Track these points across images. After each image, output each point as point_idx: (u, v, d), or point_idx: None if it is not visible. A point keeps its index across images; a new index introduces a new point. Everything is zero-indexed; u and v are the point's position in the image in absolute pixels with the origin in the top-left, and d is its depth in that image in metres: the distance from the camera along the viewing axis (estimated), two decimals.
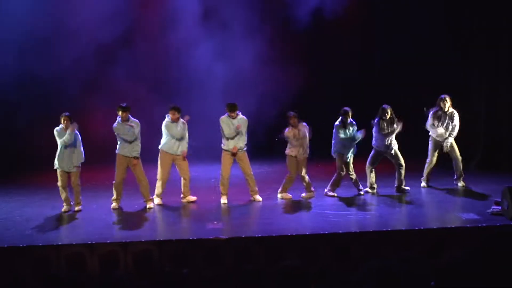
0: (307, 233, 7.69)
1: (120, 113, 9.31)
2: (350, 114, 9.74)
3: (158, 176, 9.63)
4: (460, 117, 10.22)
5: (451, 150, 10.21)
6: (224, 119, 9.58)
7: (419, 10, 13.18)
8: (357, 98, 12.82)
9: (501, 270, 4.46)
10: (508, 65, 12.01)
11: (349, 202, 9.48)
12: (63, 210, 9.18)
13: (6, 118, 13.20)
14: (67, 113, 9.17)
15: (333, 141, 9.84)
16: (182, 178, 9.72)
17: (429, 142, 10.32)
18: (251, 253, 7.36)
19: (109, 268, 7.11)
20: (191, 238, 7.55)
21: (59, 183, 9.16)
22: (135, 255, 7.32)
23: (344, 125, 9.69)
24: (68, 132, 9.02)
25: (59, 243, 7.46)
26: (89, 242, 7.42)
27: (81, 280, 4.99)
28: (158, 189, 9.62)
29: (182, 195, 9.75)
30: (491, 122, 12.21)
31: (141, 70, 13.75)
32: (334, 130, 9.80)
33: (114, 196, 9.41)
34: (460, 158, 10.23)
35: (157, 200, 9.58)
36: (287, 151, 9.75)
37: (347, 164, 9.83)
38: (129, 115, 9.40)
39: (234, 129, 9.50)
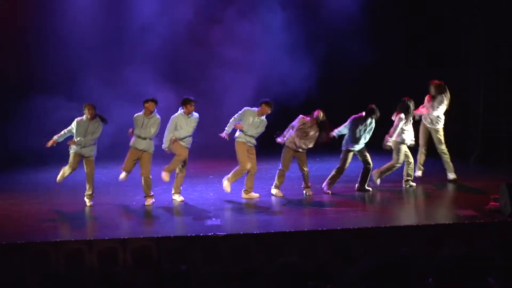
0: (305, 229, 7.70)
1: (147, 105, 9.23)
2: (376, 115, 9.54)
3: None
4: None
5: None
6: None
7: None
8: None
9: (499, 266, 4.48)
10: (507, 62, 12.00)
11: (347, 198, 9.49)
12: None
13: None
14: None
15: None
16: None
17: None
18: (249, 250, 7.37)
19: (108, 265, 7.11)
20: (189, 235, 7.56)
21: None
22: (134, 252, 7.32)
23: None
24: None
25: (57, 240, 7.45)
26: (88, 239, 7.43)
27: (80, 277, 5.00)
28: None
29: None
30: (489, 118, 12.21)
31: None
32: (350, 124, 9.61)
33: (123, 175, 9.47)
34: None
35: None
36: (286, 141, 9.56)
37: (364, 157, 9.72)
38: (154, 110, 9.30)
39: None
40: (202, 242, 7.41)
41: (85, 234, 7.65)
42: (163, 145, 9.41)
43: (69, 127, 9.22)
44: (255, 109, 9.51)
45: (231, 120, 9.54)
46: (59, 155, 12.26)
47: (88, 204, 9.21)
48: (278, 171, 9.72)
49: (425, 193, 9.74)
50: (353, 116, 9.66)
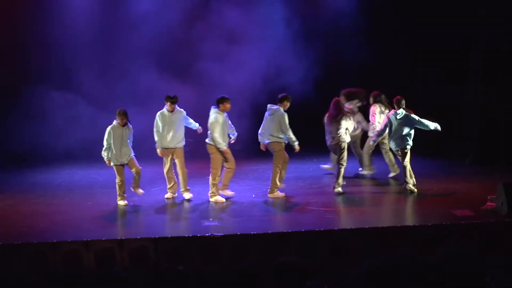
0: (303, 229, 7.71)
1: (168, 103, 9.33)
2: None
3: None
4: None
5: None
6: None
7: None
8: None
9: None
10: (505, 60, 12.02)
11: (345, 198, 9.51)
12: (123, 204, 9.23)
13: None
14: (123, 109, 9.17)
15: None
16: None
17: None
18: (247, 250, 7.37)
19: (106, 265, 7.10)
20: (186, 235, 7.56)
21: (118, 179, 9.21)
22: (131, 252, 7.32)
23: None
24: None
25: (55, 240, 7.43)
26: (85, 239, 7.42)
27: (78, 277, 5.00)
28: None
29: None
30: (486, 118, 12.24)
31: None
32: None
33: (169, 185, 9.60)
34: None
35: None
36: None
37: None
38: (176, 106, 9.42)
39: None
40: (200, 243, 7.40)
41: (82, 234, 7.63)
42: (221, 147, 9.29)
43: (105, 137, 9.14)
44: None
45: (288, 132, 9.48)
46: (57, 154, 12.35)
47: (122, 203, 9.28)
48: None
49: (421, 194, 9.75)
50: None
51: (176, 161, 9.55)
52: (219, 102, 9.32)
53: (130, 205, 9.31)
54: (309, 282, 4.49)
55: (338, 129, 9.56)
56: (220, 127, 9.24)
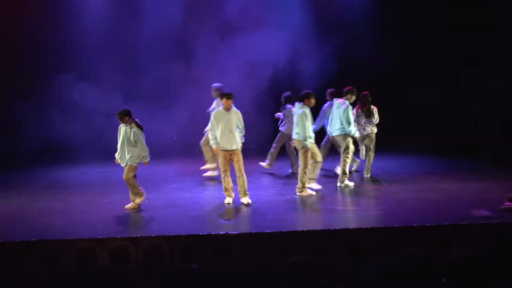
0: (318, 228, 7.65)
1: (224, 101, 8.96)
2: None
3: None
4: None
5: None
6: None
7: None
8: None
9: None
10: None
11: (360, 197, 9.43)
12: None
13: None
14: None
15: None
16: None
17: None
18: (261, 249, 7.33)
19: (119, 263, 7.10)
20: (201, 234, 7.54)
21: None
22: (145, 250, 7.32)
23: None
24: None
25: (70, 238, 7.45)
26: (99, 237, 7.43)
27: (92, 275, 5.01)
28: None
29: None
30: (505, 117, 12.10)
31: None
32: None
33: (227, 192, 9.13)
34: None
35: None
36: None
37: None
38: (232, 104, 9.05)
39: None
40: (214, 241, 7.38)
41: (96, 232, 7.65)
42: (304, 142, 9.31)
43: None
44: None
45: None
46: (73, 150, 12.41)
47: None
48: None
49: (437, 193, 9.64)
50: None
51: (235, 165, 9.03)
52: (304, 97, 9.36)
53: (145, 203, 9.31)
54: (324, 280, 4.46)
55: (371, 121, 10.27)
56: (308, 122, 9.32)
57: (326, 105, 10.82)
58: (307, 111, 9.34)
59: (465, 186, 10.00)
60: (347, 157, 9.96)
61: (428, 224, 7.67)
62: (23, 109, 13.39)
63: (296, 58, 13.00)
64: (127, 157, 8.80)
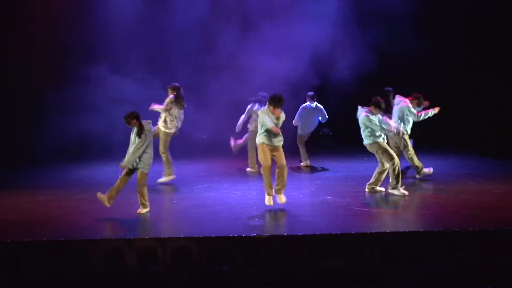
0: (352, 232, 7.37)
1: (272, 108, 8.56)
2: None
3: None
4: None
5: None
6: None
7: None
8: None
9: None
10: None
11: (395, 199, 9.12)
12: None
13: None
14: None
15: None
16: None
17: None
18: (293, 252, 7.10)
19: (147, 264, 6.99)
20: (231, 235, 7.33)
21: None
22: (174, 251, 7.17)
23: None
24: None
25: (98, 238, 7.36)
26: (127, 237, 7.31)
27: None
28: None
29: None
30: None
31: None
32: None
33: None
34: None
35: None
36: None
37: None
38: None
39: None
40: (244, 243, 7.18)
41: (124, 232, 7.53)
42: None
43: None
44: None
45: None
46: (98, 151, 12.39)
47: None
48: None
49: (481, 196, 9.22)
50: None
51: (278, 160, 8.68)
52: (372, 104, 9.23)
53: (174, 203, 9.17)
54: (358, 286, 4.29)
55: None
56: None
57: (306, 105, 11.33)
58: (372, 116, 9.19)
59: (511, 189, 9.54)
60: (410, 155, 10.08)
61: (471, 229, 7.30)
62: (56, 106, 13.43)
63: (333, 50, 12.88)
64: (137, 161, 8.44)
